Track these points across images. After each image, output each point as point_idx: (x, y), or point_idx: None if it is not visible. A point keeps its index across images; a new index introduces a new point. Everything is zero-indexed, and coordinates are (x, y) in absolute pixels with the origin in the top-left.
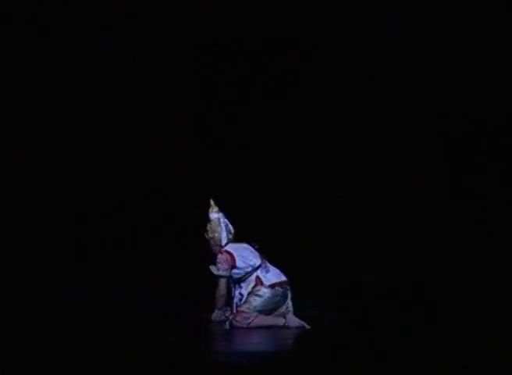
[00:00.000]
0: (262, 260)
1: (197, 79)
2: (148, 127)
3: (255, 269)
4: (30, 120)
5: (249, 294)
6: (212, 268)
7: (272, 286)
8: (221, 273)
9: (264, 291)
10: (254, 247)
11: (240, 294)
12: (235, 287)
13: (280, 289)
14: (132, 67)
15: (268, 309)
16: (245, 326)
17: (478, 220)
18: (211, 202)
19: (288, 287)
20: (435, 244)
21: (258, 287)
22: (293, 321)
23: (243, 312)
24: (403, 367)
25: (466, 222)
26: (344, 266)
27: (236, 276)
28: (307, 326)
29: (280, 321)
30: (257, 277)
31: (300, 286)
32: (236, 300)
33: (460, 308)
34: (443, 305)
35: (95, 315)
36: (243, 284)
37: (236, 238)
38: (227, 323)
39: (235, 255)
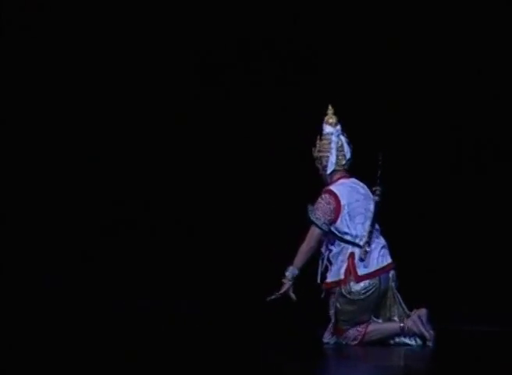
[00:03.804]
0: (370, 231)
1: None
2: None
3: (353, 243)
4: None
5: (338, 299)
6: (310, 209)
7: (366, 276)
8: (317, 221)
9: (356, 296)
10: (374, 193)
11: (329, 260)
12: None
13: (377, 278)
14: (132, 67)
15: (371, 310)
16: (353, 344)
17: None
18: (329, 109)
19: (392, 273)
20: None
21: (346, 287)
22: (415, 324)
23: (341, 330)
24: None
25: None
26: None
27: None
28: (428, 336)
29: (395, 327)
30: (351, 257)
31: None
32: (322, 259)
33: None
34: None
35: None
36: (333, 249)
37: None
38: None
39: (343, 204)
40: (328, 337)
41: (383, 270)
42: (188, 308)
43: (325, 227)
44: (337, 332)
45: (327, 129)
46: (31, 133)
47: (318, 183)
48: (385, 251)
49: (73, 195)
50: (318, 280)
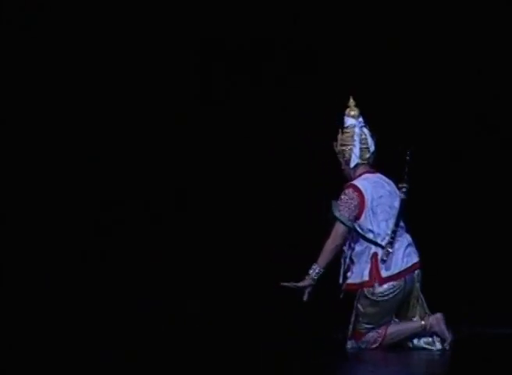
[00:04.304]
0: (394, 230)
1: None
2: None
3: (376, 243)
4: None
5: (360, 301)
6: (334, 205)
7: (390, 278)
8: (341, 217)
9: (381, 297)
10: (400, 190)
11: (351, 259)
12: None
13: (402, 279)
14: (132, 67)
15: (393, 311)
16: (373, 347)
17: None
18: (351, 100)
19: (417, 272)
20: None
21: (370, 289)
22: (438, 322)
23: (360, 333)
24: None
25: None
26: None
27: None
28: (449, 338)
29: (417, 326)
30: (374, 258)
31: None
32: (345, 259)
33: None
34: None
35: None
36: (356, 248)
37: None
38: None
39: (366, 199)
40: (350, 343)
41: (408, 271)
42: (188, 308)
43: (350, 224)
44: (355, 336)
45: (349, 121)
46: (31, 133)
47: (318, 183)
48: (411, 250)
49: (73, 195)
50: (340, 281)
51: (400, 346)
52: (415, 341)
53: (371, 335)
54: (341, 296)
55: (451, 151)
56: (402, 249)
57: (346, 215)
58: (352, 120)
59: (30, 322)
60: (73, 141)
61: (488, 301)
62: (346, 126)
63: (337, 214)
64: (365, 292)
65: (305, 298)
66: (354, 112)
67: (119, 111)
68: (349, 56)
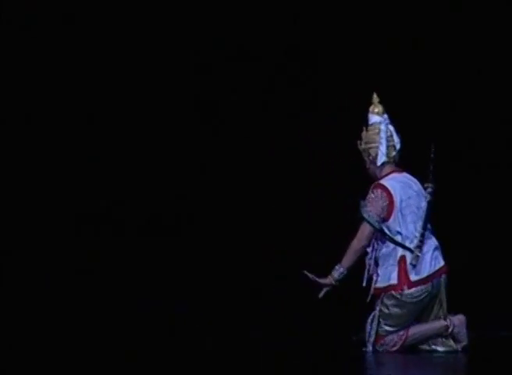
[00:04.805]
0: (422, 233)
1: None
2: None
3: (404, 246)
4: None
5: (385, 302)
6: (361, 205)
7: (419, 283)
8: (370, 218)
9: (409, 298)
10: (426, 190)
11: (376, 262)
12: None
13: (430, 284)
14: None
15: (415, 316)
16: (392, 350)
17: None
18: (374, 97)
19: (444, 277)
20: None
21: (397, 292)
22: (460, 323)
23: (380, 336)
24: None
25: None
26: None
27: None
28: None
29: (439, 326)
30: (403, 261)
31: None
32: (369, 260)
33: None
34: None
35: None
36: (382, 250)
37: None
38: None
39: (395, 200)
40: (369, 346)
41: (436, 275)
42: (188, 308)
43: (378, 226)
44: (375, 339)
45: (373, 118)
46: (31, 133)
47: (318, 183)
48: (438, 253)
49: (73, 195)
50: (364, 284)
51: (417, 349)
52: (432, 344)
53: (391, 338)
54: (368, 300)
55: (451, 150)
56: (430, 253)
57: (375, 216)
58: (377, 117)
59: (30, 322)
60: (73, 141)
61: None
62: (370, 123)
63: (365, 215)
64: (393, 293)
65: (321, 295)
66: (379, 108)
67: (119, 111)
68: (349, 56)
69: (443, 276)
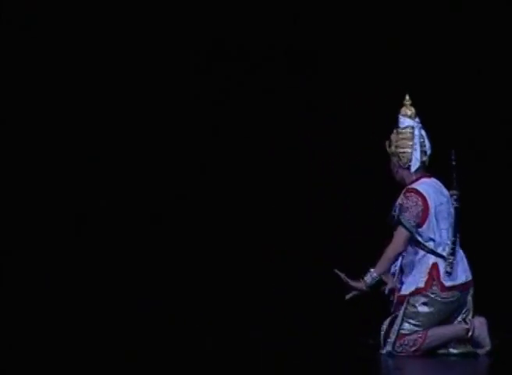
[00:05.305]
0: (454, 238)
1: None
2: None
3: (436, 253)
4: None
5: (409, 302)
6: (398, 211)
7: (452, 288)
8: (406, 223)
9: (440, 297)
10: (452, 196)
11: (402, 269)
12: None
13: (458, 293)
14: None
15: (440, 320)
16: (411, 351)
17: None
18: (406, 99)
19: (470, 291)
20: None
21: (430, 292)
22: (481, 325)
23: (401, 335)
24: None
25: None
26: None
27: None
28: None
29: (459, 328)
30: (435, 269)
31: None
32: (395, 267)
33: None
34: None
35: None
36: (410, 257)
37: None
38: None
39: (430, 206)
40: (387, 348)
41: (465, 287)
42: (190, 308)
43: (414, 231)
44: (395, 338)
45: (406, 122)
46: (31, 133)
47: (318, 183)
48: (467, 266)
49: (73, 195)
50: (386, 291)
51: (434, 352)
52: (451, 348)
53: (411, 338)
54: (392, 310)
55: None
56: (462, 262)
57: (411, 221)
58: (409, 121)
59: (30, 322)
60: (73, 141)
61: None
62: (403, 126)
63: (403, 220)
64: (422, 292)
65: (348, 297)
66: (411, 111)
67: (119, 111)
68: (349, 56)
69: (471, 289)
